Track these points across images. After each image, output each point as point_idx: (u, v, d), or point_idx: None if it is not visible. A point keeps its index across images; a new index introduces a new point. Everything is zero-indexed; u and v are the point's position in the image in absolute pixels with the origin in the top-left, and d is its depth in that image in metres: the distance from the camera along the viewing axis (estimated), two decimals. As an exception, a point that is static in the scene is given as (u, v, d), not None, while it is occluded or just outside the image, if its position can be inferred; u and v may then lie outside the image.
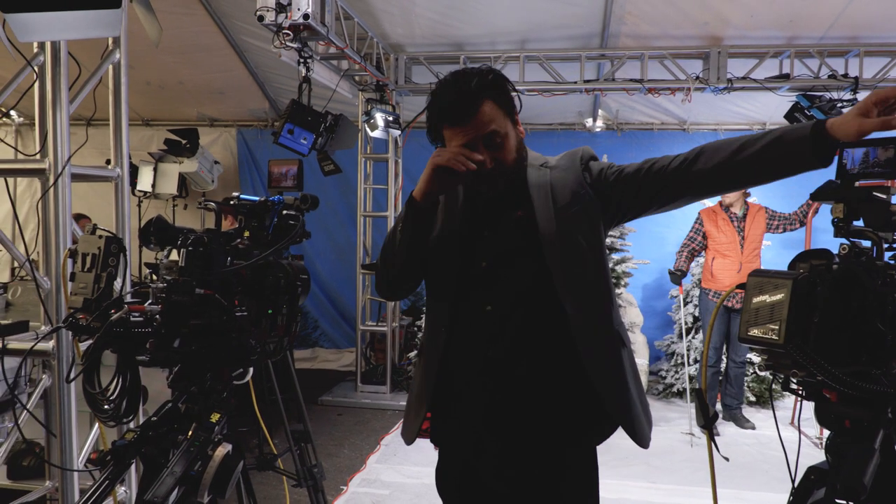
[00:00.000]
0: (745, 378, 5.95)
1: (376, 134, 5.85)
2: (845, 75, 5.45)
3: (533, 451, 1.68)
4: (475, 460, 1.74)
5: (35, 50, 2.45)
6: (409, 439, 1.88)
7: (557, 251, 1.64)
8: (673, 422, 5.52)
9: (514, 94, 1.71)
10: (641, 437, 1.69)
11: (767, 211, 5.27)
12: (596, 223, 1.70)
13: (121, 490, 2.73)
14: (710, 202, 6.33)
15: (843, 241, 1.47)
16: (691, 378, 6.13)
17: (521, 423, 1.67)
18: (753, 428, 5.28)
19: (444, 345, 1.72)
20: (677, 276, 5.32)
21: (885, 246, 1.47)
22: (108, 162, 2.83)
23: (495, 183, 1.67)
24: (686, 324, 6.33)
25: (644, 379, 6.31)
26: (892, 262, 1.46)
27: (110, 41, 2.76)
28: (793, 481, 1.58)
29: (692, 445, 4.94)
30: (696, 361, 6.14)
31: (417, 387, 1.83)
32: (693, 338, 6.26)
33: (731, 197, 5.16)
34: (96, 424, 2.75)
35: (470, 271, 1.71)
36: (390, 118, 5.81)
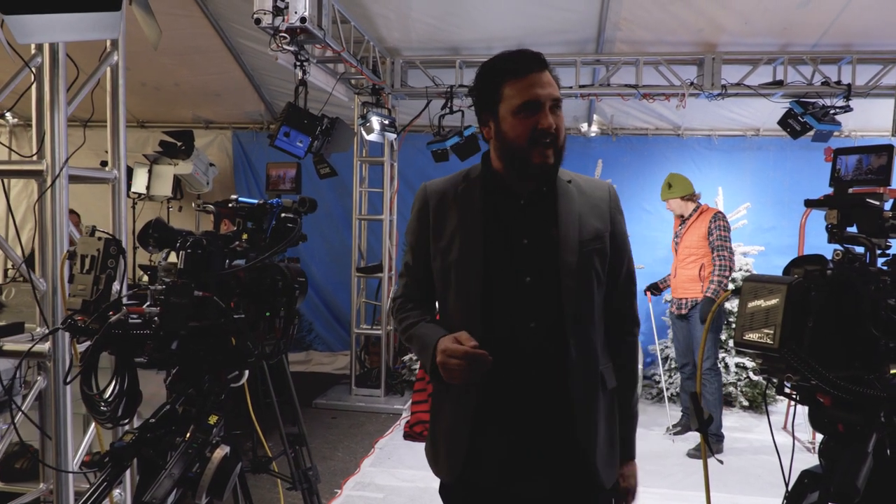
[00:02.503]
0: (739, 383, 5.98)
1: (372, 137, 5.86)
2: (838, 82, 5.49)
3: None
4: (506, 484, 1.64)
5: (33, 51, 2.45)
6: (448, 476, 1.71)
7: (573, 283, 1.59)
8: (666, 426, 5.54)
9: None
10: (600, 478, 1.63)
11: (717, 220, 4.89)
12: (605, 265, 1.67)
13: (116, 492, 2.72)
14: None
15: (837, 246, 1.49)
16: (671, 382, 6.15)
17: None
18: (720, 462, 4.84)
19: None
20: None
21: (878, 252, 1.49)
22: (104, 164, 2.83)
23: (548, 157, 1.56)
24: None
25: (637, 384, 6.32)
26: (884, 267, 1.48)
27: (108, 43, 2.76)
28: (786, 485, 1.59)
29: (674, 441, 5.00)
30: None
31: (451, 420, 1.68)
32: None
33: (672, 205, 5.12)
34: (91, 426, 2.74)
35: (506, 284, 1.60)
36: (386, 121, 5.82)
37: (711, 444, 4.89)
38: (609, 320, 1.71)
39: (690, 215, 5.02)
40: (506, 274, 1.60)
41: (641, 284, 7.06)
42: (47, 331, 2.45)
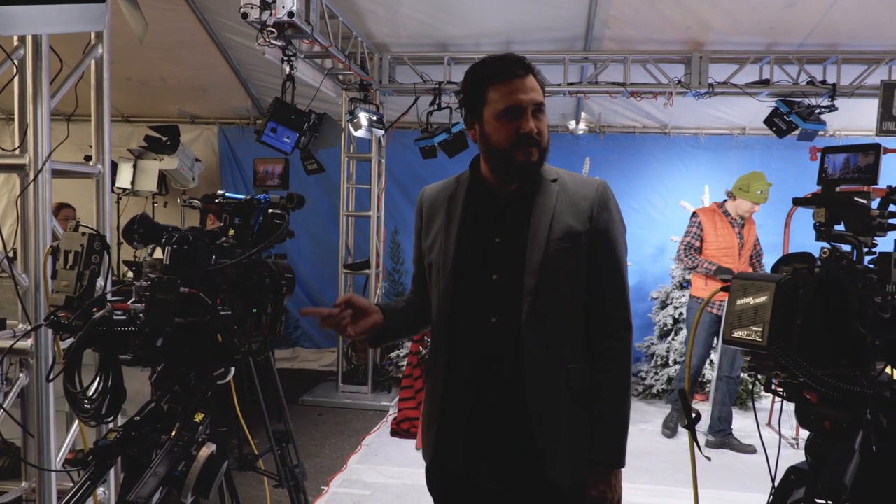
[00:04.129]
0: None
1: (360, 133, 5.83)
2: (823, 82, 5.54)
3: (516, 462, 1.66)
4: (469, 471, 1.70)
5: (16, 43, 2.41)
6: (426, 458, 1.80)
7: (534, 281, 1.61)
8: (652, 423, 5.57)
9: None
10: (554, 474, 1.62)
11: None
12: (580, 265, 1.66)
13: (99, 491, 2.69)
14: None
15: (824, 244, 1.50)
16: (669, 379, 6.18)
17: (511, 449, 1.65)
18: (754, 451, 4.82)
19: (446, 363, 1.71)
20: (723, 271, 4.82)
21: (865, 250, 1.50)
22: (88, 158, 2.79)
23: (531, 156, 1.60)
24: (665, 325, 6.39)
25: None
26: (871, 265, 1.49)
27: (93, 36, 2.72)
28: (773, 481, 1.60)
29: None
30: (675, 363, 6.20)
31: (427, 405, 1.80)
32: (672, 339, 6.32)
33: (745, 207, 4.89)
34: (74, 424, 2.71)
35: (473, 281, 1.66)
36: (374, 118, 5.79)
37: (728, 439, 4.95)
38: (594, 322, 1.68)
39: (745, 218, 5.00)
40: (475, 272, 1.66)
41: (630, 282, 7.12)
42: (30, 327, 2.42)
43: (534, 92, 1.60)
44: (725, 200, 5.09)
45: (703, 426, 5.45)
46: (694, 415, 1.45)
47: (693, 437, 1.57)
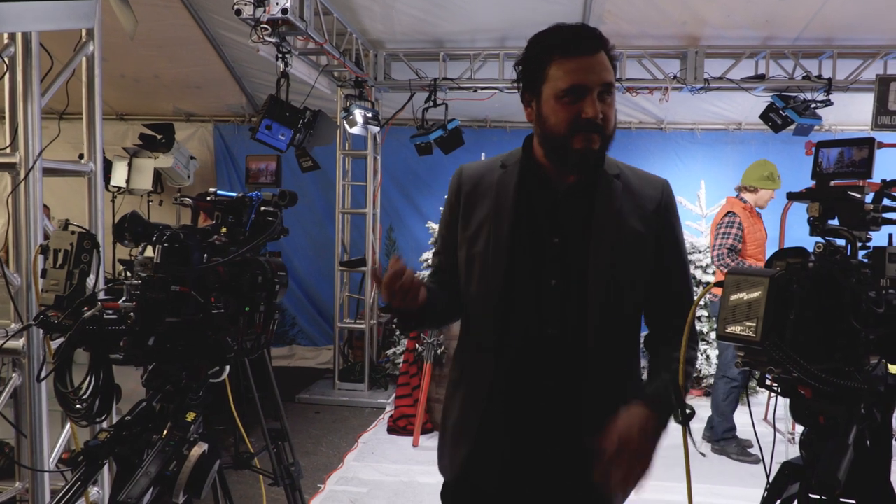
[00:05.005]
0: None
1: (355, 130, 5.81)
2: (819, 76, 5.54)
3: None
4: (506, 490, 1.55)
5: (6, 41, 2.39)
6: (449, 474, 1.63)
7: (601, 291, 1.45)
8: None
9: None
10: (605, 497, 1.48)
11: None
12: (645, 272, 1.51)
13: (93, 491, 2.68)
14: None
15: (819, 239, 1.49)
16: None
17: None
18: (757, 462, 4.48)
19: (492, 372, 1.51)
20: None
21: (859, 245, 1.49)
22: (81, 156, 2.78)
23: (592, 143, 1.41)
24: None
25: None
26: (865, 260, 1.48)
27: (84, 33, 2.70)
28: (767, 476, 1.60)
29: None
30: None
31: (460, 413, 1.60)
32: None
33: (767, 196, 4.75)
34: (68, 424, 2.70)
35: (528, 285, 1.48)
36: (369, 114, 5.78)
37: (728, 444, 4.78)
38: (660, 330, 1.56)
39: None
40: (530, 274, 1.48)
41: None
42: (21, 327, 2.40)
43: (604, 71, 1.40)
44: (738, 196, 4.83)
45: (695, 422, 5.46)
46: (689, 411, 1.44)
47: (686, 433, 1.56)
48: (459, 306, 1.62)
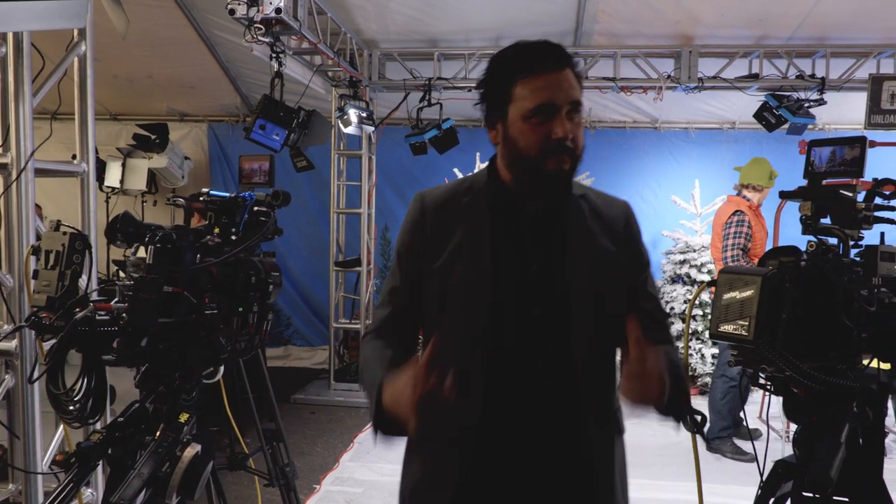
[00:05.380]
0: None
1: (350, 130, 5.80)
2: (812, 76, 5.55)
3: None
4: None
5: (-4, 41, 2.38)
6: None
7: (585, 316, 1.38)
8: (645, 417, 5.57)
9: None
10: None
11: None
12: (623, 292, 1.44)
13: (87, 492, 2.67)
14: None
15: (811, 238, 1.50)
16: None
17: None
18: (753, 460, 4.55)
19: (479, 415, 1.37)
20: None
21: (851, 243, 1.50)
22: (73, 157, 2.77)
23: (564, 164, 1.34)
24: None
25: (616, 375, 6.36)
26: (857, 258, 1.49)
27: (76, 33, 2.69)
28: (761, 475, 1.60)
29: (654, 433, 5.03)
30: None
31: (424, 480, 1.46)
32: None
33: (765, 195, 4.67)
34: (61, 426, 2.69)
35: (512, 317, 1.38)
36: (364, 114, 5.77)
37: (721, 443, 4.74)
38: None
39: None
40: (512, 305, 1.38)
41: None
42: (13, 328, 2.39)
43: (571, 88, 1.34)
44: (740, 195, 4.77)
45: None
46: (699, 417, 1.42)
47: (696, 440, 1.55)
48: (406, 353, 1.46)
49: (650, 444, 4.93)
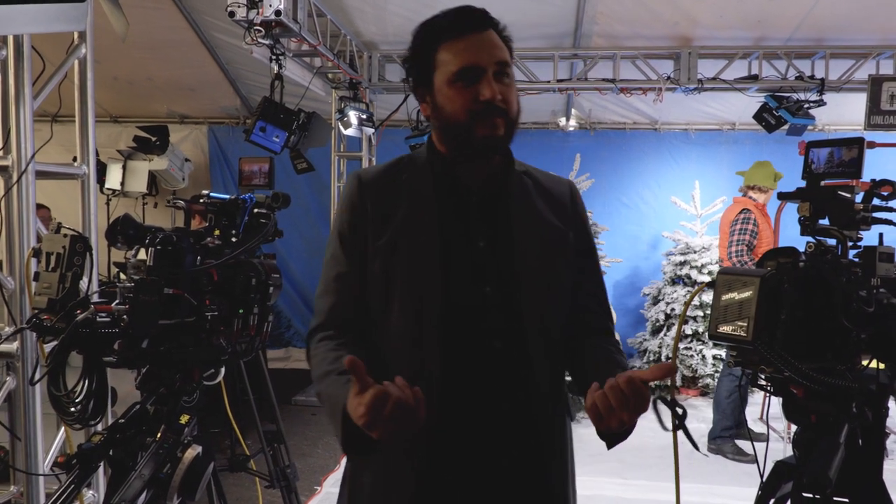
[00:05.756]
0: (717, 374, 6.03)
1: (350, 132, 5.81)
2: (812, 77, 5.56)
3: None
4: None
5: (-3, 44, 2.39)
6: None
7: (535, 293, 1.32)
8: (645, 418, 5.55)
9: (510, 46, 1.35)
10: None
11: None
12: (571, 269, 1.39)
13: (88, 494, 2.67)
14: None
15: (810, 239, 1.50)
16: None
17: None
18: (753, 461, 4.49)
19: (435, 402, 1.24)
20: None
21: (850, 244, 1.50)
22: (74, 159, 2.78)
23: (496, 129, 1.27)
24: (657, 321, 6.40)
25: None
26: (856, 259, 1.49)
27: (76, 35, 2.70)
28: (761, 475, 1.60)
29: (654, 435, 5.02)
30: (668, 359, 6.21)
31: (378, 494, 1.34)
32: (665, 335, 6.34)
33: (766, 197, 4.75)
34: (62, 427, 2.69)
35: (465, 296, 1.30)
36: (364, 116, 5.77)
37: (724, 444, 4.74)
38: (580, 328, 1.41)
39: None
40: (464, 284, 1.30)
41: (617, 279, 7.14)
42: (14, 330, 2.40)
43: (496, 48, 1.28)
44: (746, 196, 4.84)
45: (698, 423, 5.47)
46: (681, 411, 1.42)
47: (677, 436, 1.55)
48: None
49: (651, 444, 4.91)
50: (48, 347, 2.21)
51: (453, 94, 1.27)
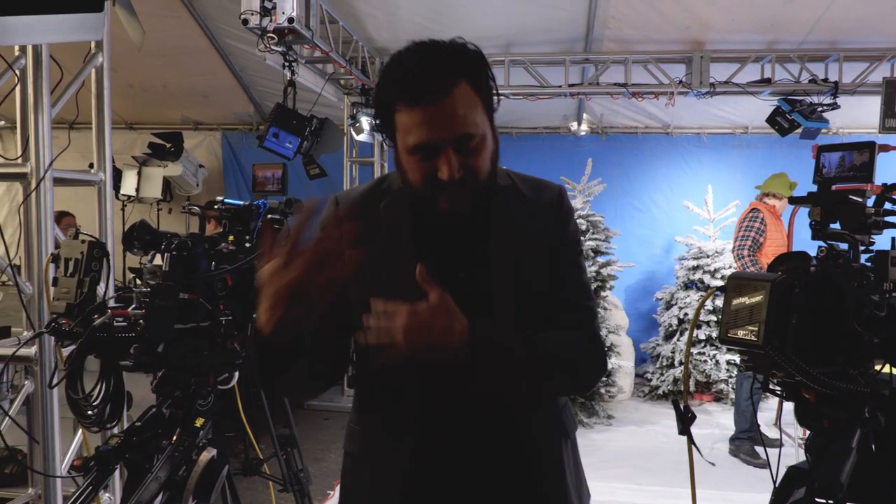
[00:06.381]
0: (731, 379, 5.99)
1: (362, 138, 5.85)
2: (825, 80, 5.52)
3: None
4: None
5: (17, 53, 2.43)
6: None
7: (514, 320, 1.27)
8: (659, 423, 5.56)
9: (492, 83, 1.23)
10: None
11: None
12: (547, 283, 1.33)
13: (105, 496, 2.70)
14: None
15: (821, 243, 1.50)
16: (675, 380, 6.16)
17: None
18: (765, 466, 4.49)
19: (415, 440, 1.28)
20: None
21: (862, 248, 1.50)
22: (91, 166, 2.82)
23: (460, 202, 1.21)
24: (671, 326, 6.37)
25: (629, 381, 6.36)
26: (868, 264, 1.48)
27: (93, 44, 2.74)
28: (774, 481, 1.60)
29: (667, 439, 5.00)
30: (680, 363, 6.18)
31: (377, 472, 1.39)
32: (678, 340, 6.31)
33: (782, 204, 4.89)
34: (80, 430, 2.73)
35: None
36: (376, 122, 5.80)
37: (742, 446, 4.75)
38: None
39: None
40: None
41: (629, 283, 7.11)
42: (33, 334, 2.44)
43: (454, 122, 1.14)
44: (761, 200, 4.95)
45: (710, 428, 5.43)
46: (690, 415, 1.43)
47: (690, 441, 1.56)
48: (336, 367, 1.35)
49: (665, 449, 4.91)
50: (66, 351, 2.25)
51: (412, 165, 1.20)
